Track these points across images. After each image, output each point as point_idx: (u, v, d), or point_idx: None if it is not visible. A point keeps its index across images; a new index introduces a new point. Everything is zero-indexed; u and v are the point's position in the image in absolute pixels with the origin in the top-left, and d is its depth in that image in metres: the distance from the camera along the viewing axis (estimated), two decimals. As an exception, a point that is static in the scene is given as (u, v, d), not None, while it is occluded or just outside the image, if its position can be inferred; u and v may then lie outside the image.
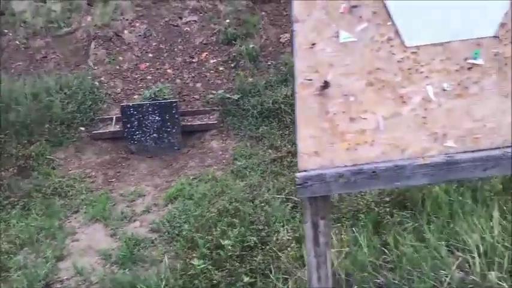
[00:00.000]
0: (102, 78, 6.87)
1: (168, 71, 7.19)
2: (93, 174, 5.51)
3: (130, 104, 6.01)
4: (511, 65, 1.74)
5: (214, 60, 7.23)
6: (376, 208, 3.61)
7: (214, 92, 6.50)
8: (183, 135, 5.97)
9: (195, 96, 6.78)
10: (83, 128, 6.05)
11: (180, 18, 7.84)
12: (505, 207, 3.05)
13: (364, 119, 1.73)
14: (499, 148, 1.80)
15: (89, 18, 7.85)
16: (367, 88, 1.71)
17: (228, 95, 6.25)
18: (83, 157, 5.77)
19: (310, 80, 1.68)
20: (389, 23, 1.66)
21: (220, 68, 7.11)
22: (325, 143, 1.74)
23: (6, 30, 8.07)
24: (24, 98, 5.85)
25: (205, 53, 7.32)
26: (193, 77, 7.07)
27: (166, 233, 4.30)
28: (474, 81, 1.76)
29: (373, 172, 1.76)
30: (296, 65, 1.66)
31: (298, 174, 1.76)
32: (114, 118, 6.12)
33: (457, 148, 1.79)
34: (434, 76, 1.74)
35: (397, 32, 1.67)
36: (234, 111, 6.10)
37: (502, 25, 1.72)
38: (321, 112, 1.70)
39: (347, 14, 1.63)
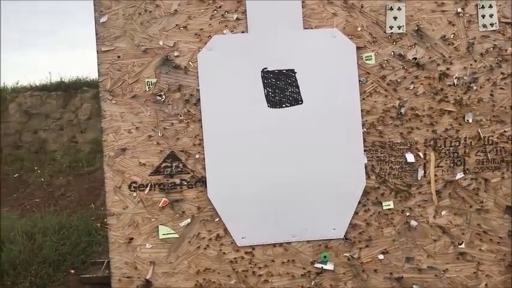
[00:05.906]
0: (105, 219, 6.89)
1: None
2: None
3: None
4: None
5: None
6: None
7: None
8: None
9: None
10: (72, 271, 5.93)
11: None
12: None
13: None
14: None
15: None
16: (196, 290, 1.50)
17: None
18: (65, 303, 5.55)
19: (130, 277, 1.50)
20: (217, 219, 1.50)
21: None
22: None
23: (36, 167, 8.61)
24: (20, 237, 5.91)
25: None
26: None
27: None
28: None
29: None
30: (112, 260, 1.50)
31: None
32: (105, 262, 5.98)
33: None
34: (275, 280, 1.51)
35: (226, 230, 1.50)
36: None
37: (353, 226, 1.51)
38: (143, 315, 1.49)
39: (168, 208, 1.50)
